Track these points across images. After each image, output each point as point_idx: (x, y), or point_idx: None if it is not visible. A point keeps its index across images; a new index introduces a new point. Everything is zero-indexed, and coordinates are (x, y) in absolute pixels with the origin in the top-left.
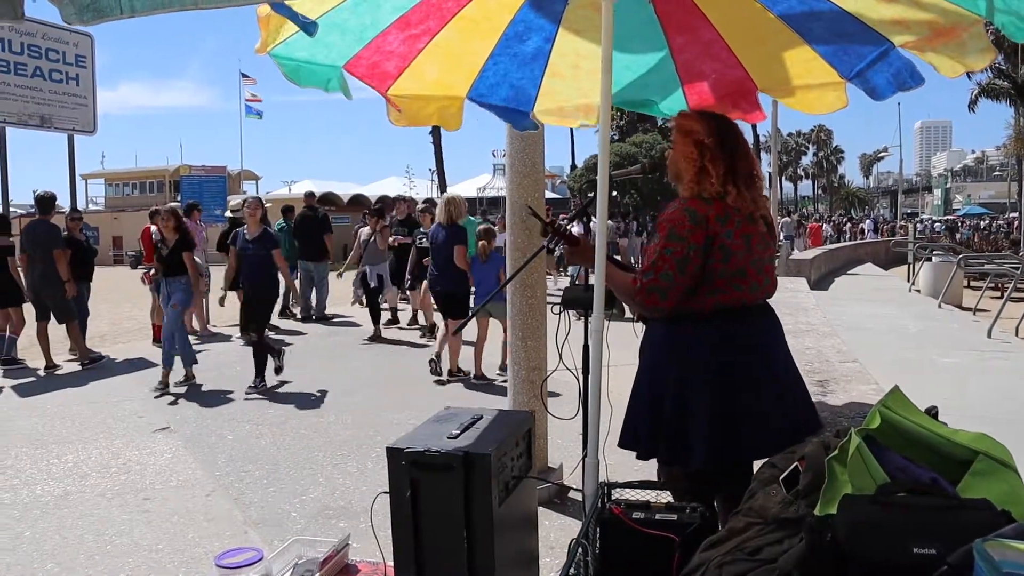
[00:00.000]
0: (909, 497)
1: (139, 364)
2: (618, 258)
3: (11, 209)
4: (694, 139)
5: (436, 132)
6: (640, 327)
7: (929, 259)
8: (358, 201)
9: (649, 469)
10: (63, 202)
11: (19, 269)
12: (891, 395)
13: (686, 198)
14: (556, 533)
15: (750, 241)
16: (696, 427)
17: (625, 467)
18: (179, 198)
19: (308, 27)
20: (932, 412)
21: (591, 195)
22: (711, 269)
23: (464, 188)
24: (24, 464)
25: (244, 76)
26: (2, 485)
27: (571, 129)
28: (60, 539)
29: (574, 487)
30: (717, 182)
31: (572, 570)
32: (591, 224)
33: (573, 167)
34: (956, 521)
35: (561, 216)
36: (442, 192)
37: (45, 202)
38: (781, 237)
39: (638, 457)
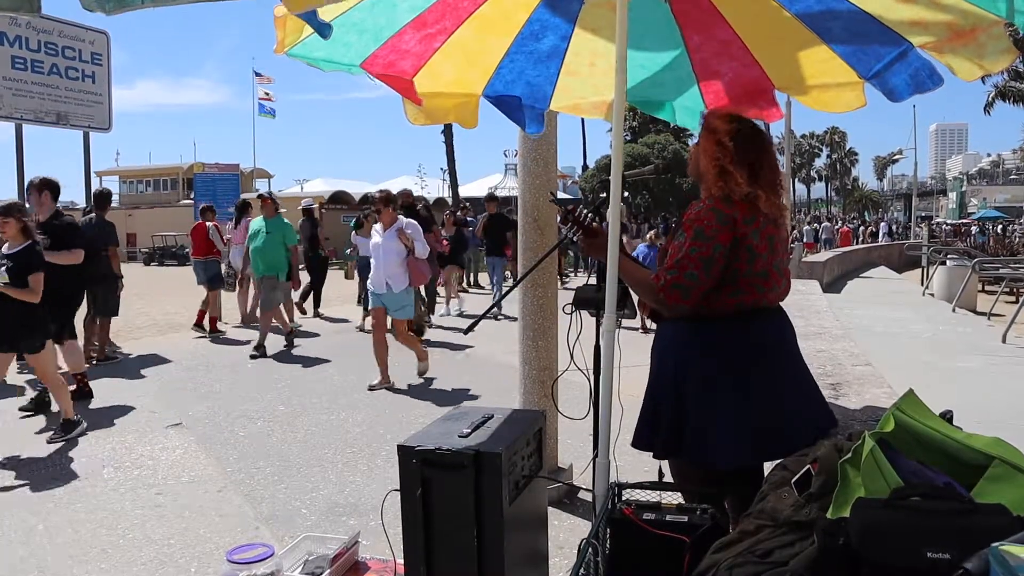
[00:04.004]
0: (923, 501)
1: (152, 360)
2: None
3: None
4: (716, 139)
5: (448, 132)
6: (650, 326)
7: (943, 263)
8: (369, 200)
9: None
10: (79, 199)
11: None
12: (905, 398)
13: (713, 198)
14: (565, 533)
15: (773, 243)
16: (720, 427)
17: (635, 468)
18: (193, 195)
19: (323, 30)
20: (947, 416)
21: (602, 195)
22: (736, 270)
23: (476, 188)
24: (38, 458)
25: (258, 75)
26: (17, 478)
27: (583, 130)
28: (73, 532)
29: (584, 487)
30: (744, 184)
31: (582, 570)
32: (604, 225)
33: (585, 168)
34: (971, 526)
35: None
36: (454, 192)
37: (101, 198)
38: (820, 239)
39: (655, 456)
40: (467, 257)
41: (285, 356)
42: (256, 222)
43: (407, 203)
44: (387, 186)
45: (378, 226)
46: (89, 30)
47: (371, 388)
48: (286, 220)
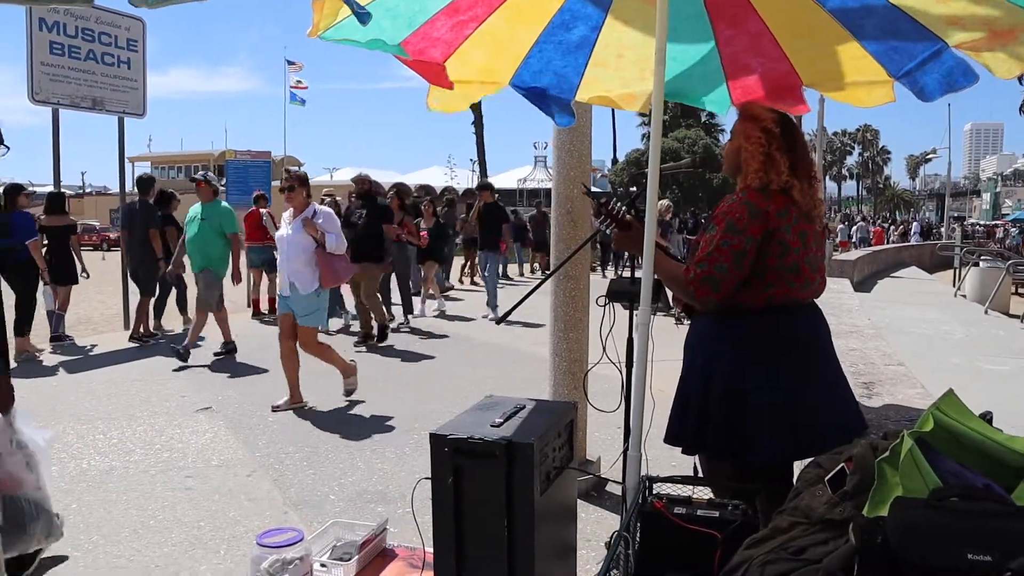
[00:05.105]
0: (964, 502)
1: (182, 344)
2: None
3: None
4: (762, 126)
5: (478, 123)
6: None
7: (976, 264)
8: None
9: (687, 466)
10: (112, 184)
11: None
12: (945, 398)
13: (747, 190)
14: (593, 526)
15: (806, 238)
16: (751, 422)
17: (663, 462)
18: (224, 182)
19: (362, 16)
20: (987, 417)
21: (632, 188)
22: (766, 264)
23: (505, 179)
24: (71, 438)
25: (290, 63)
26: (51, 458)
27: (613, 123)
28: (105, 512)
29: (613, 480)
30: (785, 172)
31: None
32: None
33: (615, 161)
34: (1013, 528)
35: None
36: None
37: (144, 183)
38: (855, 239)
39: (684, 452)
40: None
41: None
42: (193, 209)
43: (363, 191)
44: (416, 176)
45: (287, 213)
46: (125, 16)
47: (275, 409)
48: (225, 205)
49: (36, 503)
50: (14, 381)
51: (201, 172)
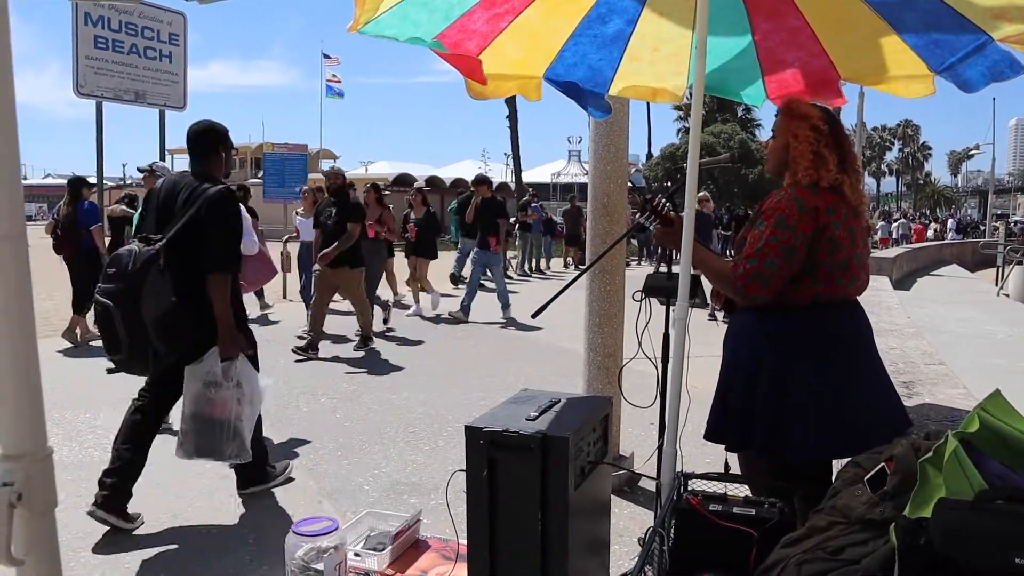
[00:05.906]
0: (1011, 504)
1: None
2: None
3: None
4: (811, 123)
5: (513, 117)
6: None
7: (1020, 262)
8: (433, 183)
9: (722, 462)
10: None
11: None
12: (991, 399)
13: (796, 186)
14: (625, 521)
15: (854, 234)
16: (798, 421)
17: (697, 459)
18: (261, 175)
19: None
20: None
21: (667, 184)
22: (817, 260)
23: (539, 173)
24: (112, 425)
25: (326, 57)
26: (92, 444)
27: (648, 117)
28: (143, 499)
29: (647, 475)
30: (835, 169)
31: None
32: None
33: (649, 156)
34: None
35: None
36: (518, 177)
37: None
38: (896, 236)
39: (727, 449)
40: (529, 242)
41: (349, 336)
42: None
43: (336, 185)
44: (450, 170)
45: None
46: (167, 11)
47: None
48: None
49: (235, 429)
50: (69, 362)
51: (149, 163)
